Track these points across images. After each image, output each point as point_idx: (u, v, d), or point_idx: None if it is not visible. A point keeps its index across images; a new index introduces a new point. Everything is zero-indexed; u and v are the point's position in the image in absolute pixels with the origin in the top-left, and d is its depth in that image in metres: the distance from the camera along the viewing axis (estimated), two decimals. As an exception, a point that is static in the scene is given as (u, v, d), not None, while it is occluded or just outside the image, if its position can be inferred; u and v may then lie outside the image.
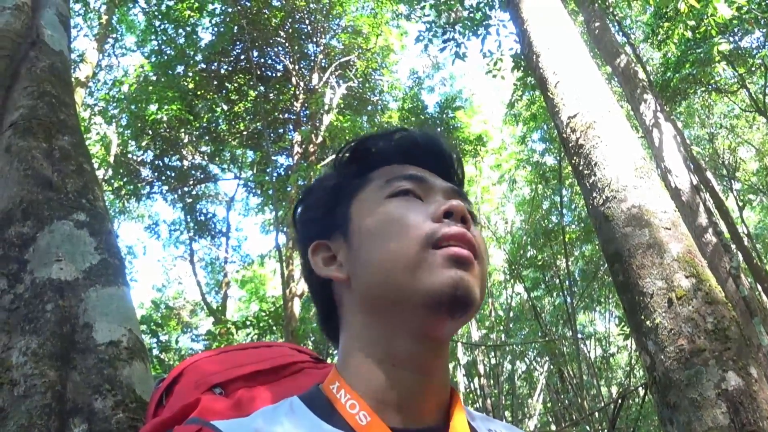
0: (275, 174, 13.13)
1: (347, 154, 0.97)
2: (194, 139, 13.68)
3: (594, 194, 3.89)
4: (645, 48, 15.11)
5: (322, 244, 0.91)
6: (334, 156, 1.03)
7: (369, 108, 14.60)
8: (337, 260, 0.88)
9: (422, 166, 0.93)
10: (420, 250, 0.79)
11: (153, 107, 12.29)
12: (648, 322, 3.23)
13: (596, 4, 9.70)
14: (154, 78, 12.81)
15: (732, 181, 17.71)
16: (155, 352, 9.40)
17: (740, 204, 17.88)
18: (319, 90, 13.24)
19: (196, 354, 1.10)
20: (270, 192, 12.83)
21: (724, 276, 7.00)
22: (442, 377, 0.83)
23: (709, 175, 12.22)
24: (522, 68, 10.36)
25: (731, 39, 10.73)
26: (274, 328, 11.22)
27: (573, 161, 4.26)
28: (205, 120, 13.29)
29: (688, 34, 9.58)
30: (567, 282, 14.03)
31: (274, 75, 13.90)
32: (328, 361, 1.11)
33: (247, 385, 0.93)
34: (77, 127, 2.37)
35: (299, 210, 0.98)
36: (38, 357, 1.52)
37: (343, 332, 0.88)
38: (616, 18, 12.27)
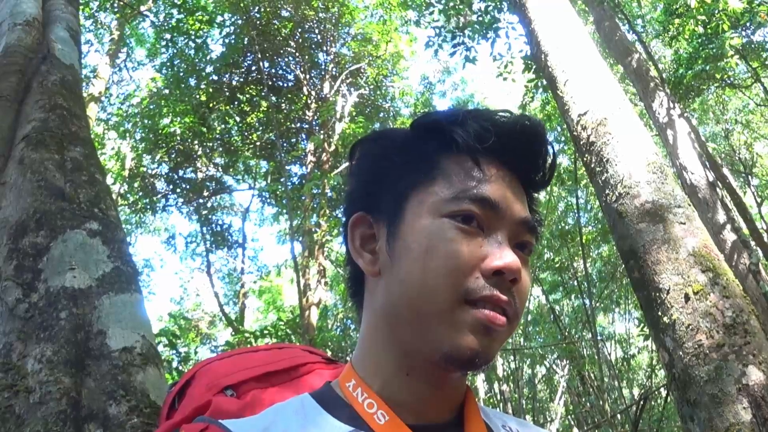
0: (289, 183, 13.22)
1: (425, 127, 0.83)
2: (208, 150, 13.78)
3: (607, 191, 3.87)
4: (656, 45, 15.02)
5: (365, 219, 0.83)
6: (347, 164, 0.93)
7: (381, 115, 14.62)
8: (376, 245, 0.82)
9: (508, 160, 0.80)
10: (454, 304, 0.73)
11: (166, 120, 12.40)
12: (665, 319, 3.19)
13: (605, 3, 9.67)
14: (167, 91, 12.93)
15: (749, 176, 17.51)
16: (174, 363, 9.42)
17: (758, 200, 17.66)
18: (331, 98, 13.29)
19: (209, 357, 1.11)
20: (284, 201, 12.90)
21: (743, 272, 6.92)
22: (456, 385, 0.81)
23: (725, 171, 12.10)
24: (533, 70, 10.34)
25: (743, 33, 10.61)
26: (292, 337, 11.24)
27: (585, 159, 4.24)
28: (218, 132, 13.40)
29: (700, 29, 9.52)
30: (585, 284, 13.90)
31: (285, 85, 14.00)
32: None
33: (259, 386, 0.94)
34: (89, 139, 2.40)
35: (356, 157, 0.88)
36: (53, 364, 1.53)
37: (364, 321, 0.84)
38: (627, 16, 12.21)
